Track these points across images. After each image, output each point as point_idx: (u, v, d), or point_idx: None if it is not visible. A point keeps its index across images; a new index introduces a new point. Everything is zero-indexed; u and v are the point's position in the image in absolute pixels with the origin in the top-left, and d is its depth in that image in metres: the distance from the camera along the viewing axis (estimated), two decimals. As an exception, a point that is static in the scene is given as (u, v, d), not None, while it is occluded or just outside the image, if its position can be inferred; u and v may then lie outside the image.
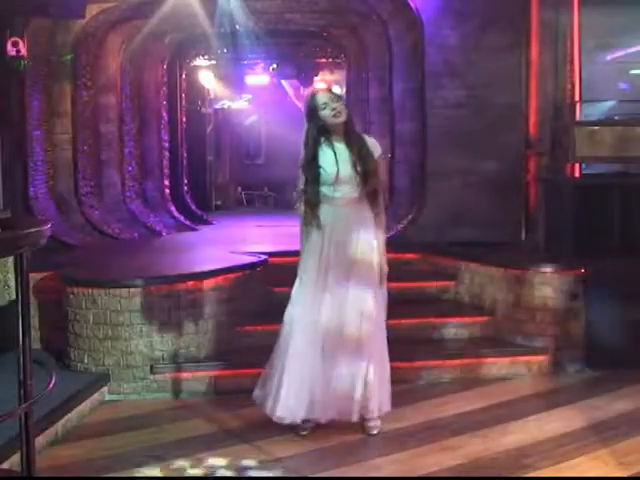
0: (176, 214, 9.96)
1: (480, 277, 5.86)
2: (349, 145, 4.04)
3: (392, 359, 4.19)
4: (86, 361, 4.96)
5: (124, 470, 3.74)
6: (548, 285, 5.32)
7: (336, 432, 4.08)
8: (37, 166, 7.40)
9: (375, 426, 4.11)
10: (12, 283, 4.83)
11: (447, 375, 5.20)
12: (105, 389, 4.87)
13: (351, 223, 4.04)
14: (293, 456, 3.87)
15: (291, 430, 4.14)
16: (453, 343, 5.52)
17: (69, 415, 4.32)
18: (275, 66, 13.20)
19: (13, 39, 6.59)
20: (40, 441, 3.78)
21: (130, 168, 9.21)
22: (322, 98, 4.02)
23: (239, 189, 16.31)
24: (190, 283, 5.11)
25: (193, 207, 10.87)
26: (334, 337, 3.99)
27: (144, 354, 4.93)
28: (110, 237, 8.14)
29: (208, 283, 5.19)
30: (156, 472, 3.76)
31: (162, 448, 4.00)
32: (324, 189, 4.03)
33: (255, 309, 5.63)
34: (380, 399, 4.08)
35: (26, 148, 7.15)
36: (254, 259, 5.89)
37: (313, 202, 4.04)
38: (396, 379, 4.29)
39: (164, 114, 10.00)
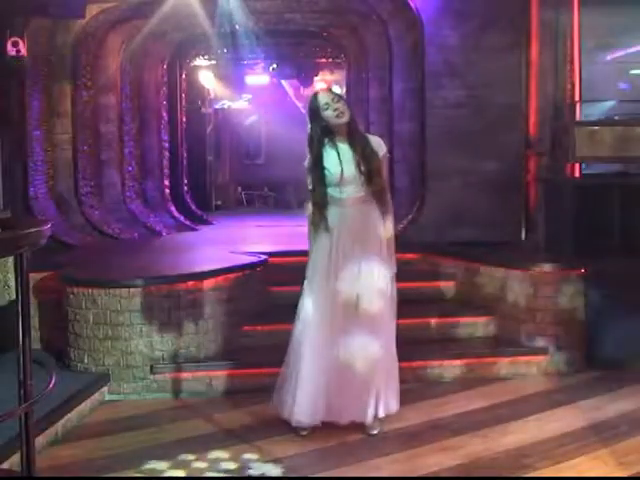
0: (176, 214, 9.97)
1: (480, 277, 5.86)
2: (352, 145, 4.03)
3: (392, 359, 4.19)
4: (86, 361, 4.96)
5: (124, 470, 3.74)
6: (548, 285, 5.32)
7: (336, 432, 4.07)
8: (37, 166, 7.40)
9: (375, 426, 4.11)
10: (12, 283, 4.84)
11: (447, 375, 5.21)
12: (105, 389, 4.88)
13: (359, 223, 4.04)
14: (293, 456, 3.87)
15: (291, 430, 4.14)
16: (453, 343, 5.52)
17: (69, 415, 4.32)
18: (275, 66, 13.20)
19: (13, 39, 6.59)
20: (40, 441, 3.78)
21: (130, 168, 9.22)
22: (324, 98, 4.01)
23: (239, 189, 16.31)
24: (190, 283, 5.11)
25: (193, 207, 10.88)
26: (346, 339, 3.99)
27: (144, 354, 4.93)
28: (110, 237, 8.14)
29: (208, 283, 5.19)
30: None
31: (162, 448, 4.00)
32: (330, 190, 4.03)
33: (255, 309, 5.63)
34: (388, 399, 4.09)
35: (26, 148, 7.15)
36: (254, 259, 5.89)
37: (320, 203, 4.04)
38: (396, 379, 4.28)
39: (164, 114, 10.01)
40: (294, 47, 11.87)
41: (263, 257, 5.97)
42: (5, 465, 3.41)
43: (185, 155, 10.97)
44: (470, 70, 6.79)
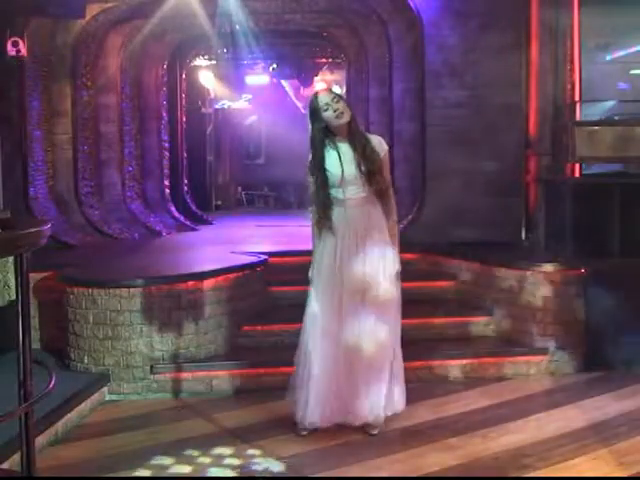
0: (176, 214, 9.97)
1: (480, 277, 5.86)
2: (353, 145, 4.03)
3: (392, 359, 4.19)
4: (86, 361, 4.96)
5: (124, 470, 3.74)
6: (548, 285, 5.32)
7: (336, 432, 4.08)
8: (37, 166, 7.40)
9: (375, 426, 4.11)
10: (12, 283, 4.83)
11: (447, 375, 5.20)
12: (105, 389, 4.88)
13: (362, 223, 4.03)
14: (293, 456, 3.87)
15: (291, 430, 4.14)
16: (453, 343, 5.51)
17: (69, 415, 4.32)
18: (275, 66, 13.20)
19: (13, 39, 6.60)
20: (40, 441, 3.79)
21: (130, 168, 9.22)
22: (323, 99, 4.00)
23: (239, 189, 16.31)
24: (190, 283, 5.11)
25: (193, 207, 10.87)
26: (354, 340, 3.99)
27: (144, 354, 4.93)
28: (110, 237, 8.15)
29: (208, 283, 5.19)
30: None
31: (162, 448, 4.00)
32: (333, 191, 4.04)
33: (255, 309, 5.63)
34: (395, 399, 4.12)
35: (26, 148, 7.15)
36: (254, 259, 5.89)
37: (324, 204, 4.04)
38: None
39: (164, 114, 10.00)
40: (294, 47, 11.87)
41: (263, 257, 5.97)
42: (5, 465, 3.41)
43: (185, 155, 10.97)
44: (470, 70, 6.79)
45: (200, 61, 12.16)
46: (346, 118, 4.00)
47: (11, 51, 6.59)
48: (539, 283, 5.34)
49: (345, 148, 4.03)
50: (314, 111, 4.02)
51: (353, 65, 10.72)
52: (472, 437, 4.10)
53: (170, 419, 4.52)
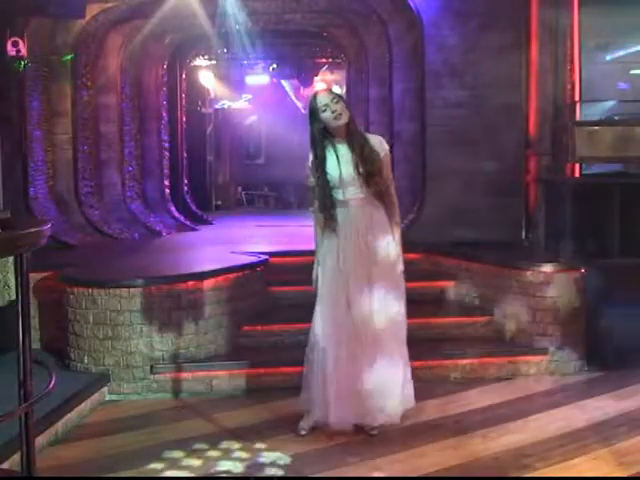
0: (176, 214, 9.97)
1: (480, 277, 5.86)
2: (351, 146, 4.02)
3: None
4: (86, 361, 4.96)
5: (124, 470, 3.74)
6: (548, 285, 5.32)
7: (336, 432, 4.07)
8: (37, 166, 7.40)
9: (376, 426, 4.11)
10: (12, 283, 4.84)
11: (447, 375, 5.20)
12: (105, 389, 4.88)
13: (363, 224, 4.03)
14: (293, 456, 3.87)
15: (292, 430, 4.15)
16: (453, 343, 5.51)
17: (69, 415, 4.32)
18: (275, 66, 13.20)
19: (13, 39, 6.60)
20: (40, 441, 3.79)
21: (130, 168, 9.22)
22: (322, 100, 4.00)
23: (239, 189, 16.31)
24: (190, 283, 5.10)
25: (193, 207, 10.88)
26: (363, 340, 3.99)
27: (144, 354, 4.93)
28: (110, 237, 8.15)
29: (208, 283, 5.19)
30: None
31: (162, 448, 4.00)
32: (334, 192, 4.04)
33: (255, 309, 5.63)
34: (407, 395, 4.14)
35: (26, 148, 7.15)
36: (254, 259, 5.89)
37: (326, 205, 4.04)
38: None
39: (164, 114, 10.01)
40: (294, 47, 11.87)
41: (263, 257, 5.97)
42: (5, 465, 3.41)
43: (185, 155, 10.97)
44: (470, 70, 6.79)
45: (200, 61, 12.17)
46: (344, 120, 3.99)
47: (11, 51, 6.59)
48: (539, 283, 5.34)
49: (343, 149, 4.03)
50: (313, 111, 4.01)
51: (353, 65, 10.72)
52: (472, 437, 4.10)
53: (170, 419, 4.52)
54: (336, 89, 10.76)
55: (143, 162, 9.66)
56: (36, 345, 5.34)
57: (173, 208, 10.03)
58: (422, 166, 7.05)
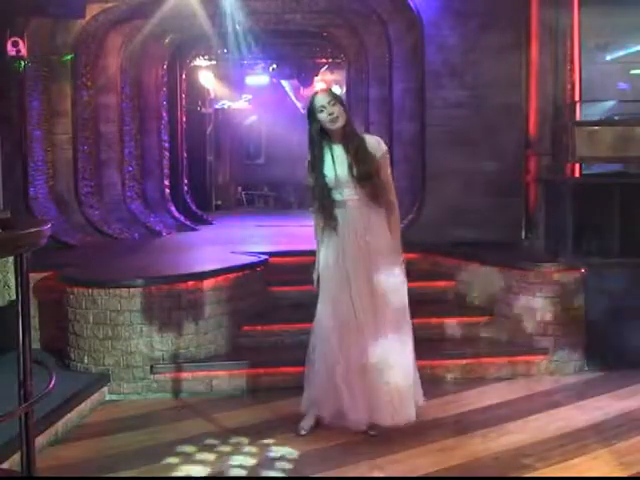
0: (176, 214, 9.97)
1: (480, 277, 5.86)
2: (346, 147, 4.02)
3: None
4: (86, 361, 4.96)
5: (124, 470, 3.74)
6: (548, 285, 5.32)
7: (336, 432, 4.07)
8: (37, 166, 7.41)
9: (375, 426, 4.11)
10: (12, 283, 4.84)
11: (447, 375, 5.20)
12: (105, 389, 4.88)
13: (362, 224, 4.02)
14: (293, 456, 3.87)
15: (291, 430, 4.15)
16: (453, 343, 5.52)
17: (69, 415, 4.32)
18: (275, 66, 13.21)
19: (13, 39, 6.60)
20: (40, 441, 3.79)
21: (130, 168, 9.22)
22: (320, 100, 3.99)
23: (239, 189, 16.31)
24: (190, 283, 5.11)
25: (193, 207, 10.88)
26: (367, 339, 3.99)
27: (144, 354, 4.93)
28: (110, 237, 8.15)
29: (208, 283, 5.19)
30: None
31: (162, 448, 4.00)
32: (332, 192, 4.04)
33: (255, 309, 5.63)
34: (418, 391, 4.16)
35: (26, 148, 7.15)
36: (254, 259, 5.89)
37: (325, 205, 4.05)
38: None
39: (164, 114, 10.01)
40: (294, 47, 11.87)
41: (263, 257, 5.97)
42: (5, 465, 3.41)
43: (185, 155, 10.98)
44: (470, 70, 6.79)
45: (200, 61, 12.17)
46: (340, 123, 3.99)
47: (11, 51, 6.59)
48: (539, 283, 5.34)
49: (339, 150, 4.03)
50: (311, 111, 4.03)
51: (353, 65, 10.72)
52: (472, 437, 4.10)
53: (170, 419, 4.52)
54: (336, 89, 10.76)
55: (143, 162, 9.66)
56: (36, 345, 5.34)
57: (173, 208, 10.04)
58: (422, 166, 7.05)
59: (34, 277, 5.24)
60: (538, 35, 6.54)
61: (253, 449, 3.98)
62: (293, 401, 4.33)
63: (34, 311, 5.28)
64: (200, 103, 13.21)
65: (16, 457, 3.25)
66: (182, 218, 9.99)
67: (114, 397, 4.89)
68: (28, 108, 7.20)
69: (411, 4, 6.92)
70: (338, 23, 9.60)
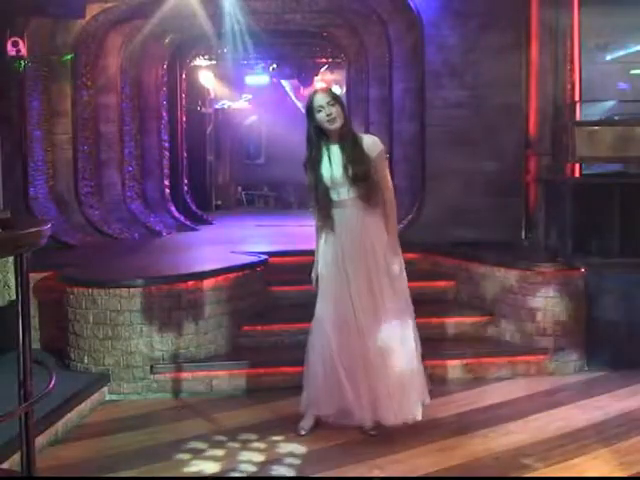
0: (176, 214, 9.97)
1: (480, 277, 5.86)
2: (342, 148, 4.03)
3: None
4: (86, 361, 4.96)
5: (124, 470, 3.74)
6: (548, 285, 5.32)
7: (336, 432, 4.08)
8: (37, 166, 7.40)
9: (376, 426, 4.11)
10: (12, 283, 4.84)
11: (447, 375, 5.20)
12: (105, 389, 4.88)
13: (358, 224, 4.03)
14: (293, 456, 3.87)
15: (291, 430, 4.15)
16: (453, 343, 5.52)
17: (69, 415, 4.32)
18: (275, 66, 13.20)
19: (13, 39, 6.60)
20: (40, 441, 3.79)
21: (130, 168, 9.22)
22: (319, 100, 4.00)
23: (239, 189, 16.31)
24: (190, 283, 5.11)
25: (193, 207, 10.88)
26: (367, 338, 4.00)
27: (144, 354, 4.93)
28: (110, 237, 8.15)
29: (208, 283, 5.19)
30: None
31: (162, 448, 4.01)
32: (330, 192, 4.05)
33: (255, 309, 5.63)
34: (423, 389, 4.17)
35: (26, 148, 7.15)
36: (254, 259, 5.89)
37: (321, 204, 4.06)
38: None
39: (164, 114, 10.01)
40: (294, 47, 11.87)
41: (263, 257, 5.97)
42: (5, 465, 3.41)
43: (185, 155, 10.98)
44: (470, 70, 6.79)
45: (200, 61, 12.16)
46: (338, 124, 3.99)
47: (11, 51, 6.59)
48: (539, 283, 5.34)
49: (336, 150, 4.04)
50: (309, 110, 4.03)
51: (353, 65, 10.72)
52: (472, 437, 4.10)
53: (170, 419, 4.53)
54: (336, 89, 10.76)
55: (143, 162, 9.66)
56: (36, 345, 5.34)
57: (173, 208, 10.03)
58: (422, 166, 7.05)
59: (34, 277, 5.24)
60: (538, 35, 6.54)
61: (253, 449, 3.97)
62: (293, 401, 4.33)
63: (34, 311, 5.29)
64: (200, 103, 13.21)
65: (16, 457, 3.25)
66: (182, 218, 9.98)
67: (114, 397, 4.89)
68: (28, 108, 7.19)
69: (411, 4, 6.92)
70: (338, 23, 9.60)
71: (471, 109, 6.79)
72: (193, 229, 9.76)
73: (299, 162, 4.18)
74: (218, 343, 5.23)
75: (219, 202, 14.30)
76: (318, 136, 4.04)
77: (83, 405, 4.55)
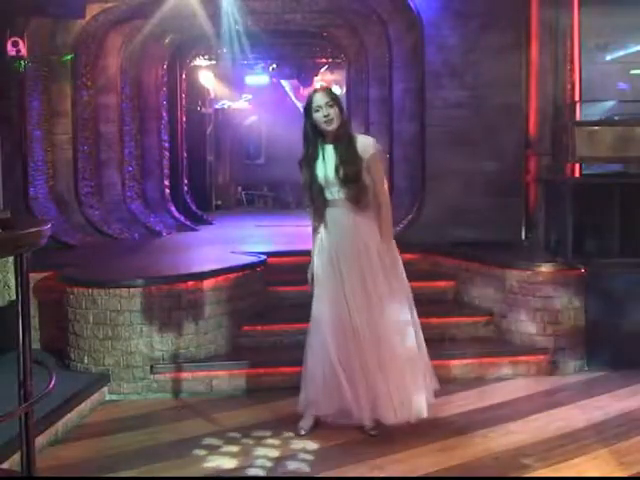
0: (176, 214, 9.97)
1: (480, 277, 5.86)
2: (336, 148, 4.03)
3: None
4: (86, 361, 4.96)
5: (124, 470, 3.74)
6: (548, 285, 5.32)
7: (336, 432, 4.08)
8: (37, 166, 7.41)
9: (375, 426, 4.11)
10: (12, 283, 4.84)
11: (447, 375, 5.20)
12: (105, 389, 4.88)
13: (351, 225, 4.03)
14: (293, 456, 3.87)
15: (291, 430, 4.15)
16: (453, 343, 5.52)
17: (69, 415, 4.32)
18: (275, 66, 13.21)
19: (13, 39, 6.60)
20: (40, 441, 3.79)
21: (130, 168, 9.22)
22: (318, 100, 4.00)
23: (239, 189, 16.32)
24: (190, 283, 5.10)
25: (193, 207, 10.88)
26: (362, 337, 4.00)
27: (144, 354, 4.93)
28: (110, 237, 8.15)
29: (208, 283, 5.19)
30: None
31: (162, 448, 4.01)
32: (325, 191, 4.05)
33: (255, 309, 5.63)
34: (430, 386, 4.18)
35: (26, 148, 7.15)
36: (254, 259, 5.89)
37: (317, 204, 4.07)
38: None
39: (164, 114, 10.01)
40: (294, 47, 11.87)
41: (263, 257, 5.97)
42: (5, 465, 3.41)
43: (185, 155, 10.98)
44: (470, 70, 6.79)
45: (200, 61, 12.17)
46: (334, 126, 4.00)
47: (11, 51, 6.59)
48: (539, 283, 5.34)
49: (330, 150, 4.05)
50: (307, 108, 4.04)
51: (353, 65, 10.72)
52: (472, 437, 4.10)
53: (170, 419, 4.52)
54: (336, 89, 10.76)
55: (143, 162, 9.66)
56: (36, 345, 5.34)
57: (173, 208, 10.04)
58: (422, 166, 7.05)
59: (34, 277, 5.24)
60: (538, 35, 6.54)
61: (254, 449, 3.98)
62: (293, 401, 4.33)
63: (34, 311, 5.28)
64: (200, 103, 13.21)
65: (16, 457, 3.25)
66: (182, 218, 9.99)
67: (114, 397, 4.89)
68: (28, 108, 7.20)
69: (411, 4, 6.92)
70: (338, 23, 9.61)
71: (471, 109, 6.79)
72: (193, 229, 9.76)
73: (299, 162, 4.18)
74: (218, 343, 5.23)
75: (219, 202, 14.30)
76: (315, 134, 4.05)
77: (83, 405, 4.55)
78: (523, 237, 6.73)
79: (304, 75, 13.42)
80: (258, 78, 13.97)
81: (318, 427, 4.16)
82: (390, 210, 4.13)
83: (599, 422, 4.30)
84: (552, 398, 4.82)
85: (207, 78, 13.43)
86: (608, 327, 5.32)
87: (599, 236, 5.65)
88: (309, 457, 3.85)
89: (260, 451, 3.94)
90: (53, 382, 2.36)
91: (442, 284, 6.18)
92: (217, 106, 14.78)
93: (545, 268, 5.35)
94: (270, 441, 4.07)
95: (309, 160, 4.06)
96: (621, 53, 7.87)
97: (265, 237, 8.64)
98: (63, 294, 5.10)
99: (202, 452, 3.95)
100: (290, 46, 11.78)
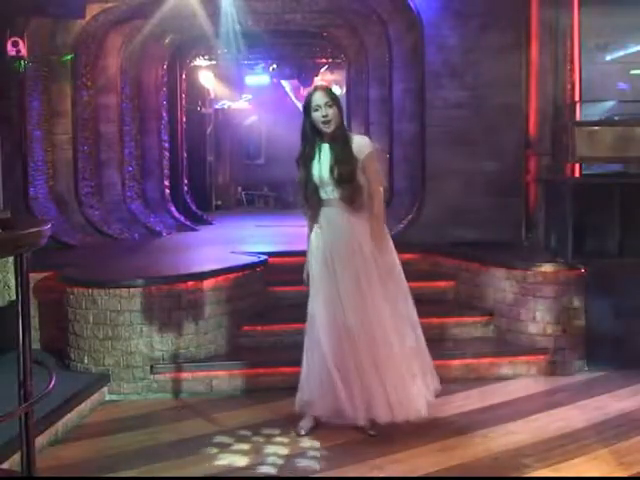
0: (176, 214, 9.97)
1: (480, 277, 5.86)
2: (332, 148, 4.04)
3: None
4: (86, 361, 4.96)
5: (124, 470, 3.74)
6: (548, 285, 5.32)
7: (336, 432, 4.08)
8: (37, 166, 7.41)
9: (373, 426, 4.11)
10: (12, 283, 4.84)
11: (447, 375, 5.19)
12: (105, 389, 4.88)
13: (345, 224, 4.04)
14: (292, 456, 3.87)
15: (291, 430, 4.15)
16: (453, 343, 5.52)
17: (69, 415, 4.32)
18: (275, 66, 13.21)
19: (13, 39, 6.60)
20: (40, 441, 3.79)
21: (130, 168, 9.22)
22: (317, 100, 4.01)
23: (239, 189, 16.32)
24: (190, 283, 5.10)
25: (193, 207, 10.88)
26: (357, 337, 4.00)
27: (144, 354, 4.93)
28: (110, 237, 8.15)
29: (208, 283, 5.19)
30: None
31: (162, 448, 4.01)
32: (320, 190, 4.05)
33: (255, 309, 5.63)
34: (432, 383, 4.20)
35: (26, 148, 7.15)
36: (254, 259, 5.90)
37: (312, 202, 4.08)
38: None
39: (164, 114, 10.01)
40: (294, 47, 11.87)
41: (263, 257, 5.97)
42: (5, 465, 3.41)
43: (185, 155, 10.98)
44: (470, 70, 6.79)
45: (200, 61, 12.17)
46: (332, 127, 4.01)
47: (11, 51, 6.59)
48: (539, 283, 5.34)
49: (326, 150, 4.05)
50: (306, 107, 4.05)
51: (353, 65, 10.72)
52: (472, 437, 4.10)
53: (170, 419, 4.52)
54: (336, 89, 10.76)
55: (143, 162, 9.66)
56: (36, 345, 5.34)
57: (173, 208, 10.04)
58: (422, 166, 7.05)
59: (34, 277, 5.24)
60: (538, 35, 6.54)
61: (253, 449, 3.98)
62: (293, 401, 4.32)
63: (34, 311, 5.28)
64: (200, 103, 13.21)
65: (16, 457, 3.25)
66: (182, 218, 9.99)
67: (114, 397, 4.89)
68: (28, 108, 7.20)
69: (411, 4, 6.92)
70: (338, 23, 9.61)
71: (471, 109, 6.79)
72: (193, 229, 9.76)
73: (298, 162, 4.19)
74: (218, 343, 5.23)
75: (219, 202, 14.31)
76: (313, 133, 4.05)
77: (83, 405, 4.55)
78: (523, 237, 6.73)
79: (304, 75, 13.42)
80: (258, 78, 13.98)
81: (318, 427, 4.15)
82: (383, 210, 4.13)
83: (599, 422, 4.30)
84: (552, 398, 4.82)
85: (207, 78, 13.43)
86: (608, 327, 5.32)
87: (599, 236, 5.64)
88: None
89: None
90: (53, 382, 2.36)
91: (442, 284, 6.18)
92: (217, 106, 14.78)
93: (545, 268, 5.35)
94: (271, 439, 4.08)
95: (306, 159, 4.06)
96: (621, 53, 7.87)
97: (265, 237, 8.64)
98: (63, 294, 5.10)
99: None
100: (290, 46, 11.78)
